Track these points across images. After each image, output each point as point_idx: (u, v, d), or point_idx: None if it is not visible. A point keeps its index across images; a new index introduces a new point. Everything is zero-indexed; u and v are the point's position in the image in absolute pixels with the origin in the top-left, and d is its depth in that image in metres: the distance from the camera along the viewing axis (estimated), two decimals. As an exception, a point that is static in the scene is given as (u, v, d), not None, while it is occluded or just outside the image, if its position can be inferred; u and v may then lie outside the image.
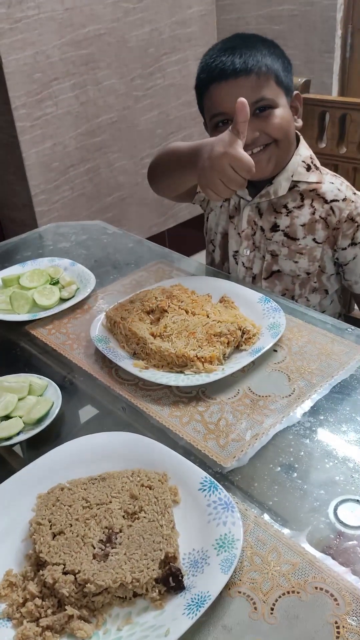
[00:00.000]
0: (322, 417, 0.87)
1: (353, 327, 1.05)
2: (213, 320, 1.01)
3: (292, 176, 1.20)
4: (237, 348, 1.00)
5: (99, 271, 1.27)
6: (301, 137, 1.24)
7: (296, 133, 1.21)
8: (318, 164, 1.23)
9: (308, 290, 1.25)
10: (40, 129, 2.30)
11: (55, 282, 1.21)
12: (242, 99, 0.97)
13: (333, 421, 0.86)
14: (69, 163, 2.45)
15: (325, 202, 1.19)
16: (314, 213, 1.19)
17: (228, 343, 0.98)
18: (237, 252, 1.29)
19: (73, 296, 1.17)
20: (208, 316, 1.03)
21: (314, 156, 1.24)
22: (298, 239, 1.21)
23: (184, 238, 2.86)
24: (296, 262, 1.22)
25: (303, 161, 1.21)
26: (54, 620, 0.61)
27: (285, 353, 1.00)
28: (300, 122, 1.21)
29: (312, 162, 1.22)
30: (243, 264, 1.27)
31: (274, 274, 1.25)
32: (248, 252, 1.26)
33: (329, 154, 1.45)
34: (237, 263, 1.29)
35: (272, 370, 0.96)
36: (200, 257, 1.40)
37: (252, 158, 1.12)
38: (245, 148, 1.11)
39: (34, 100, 2.25)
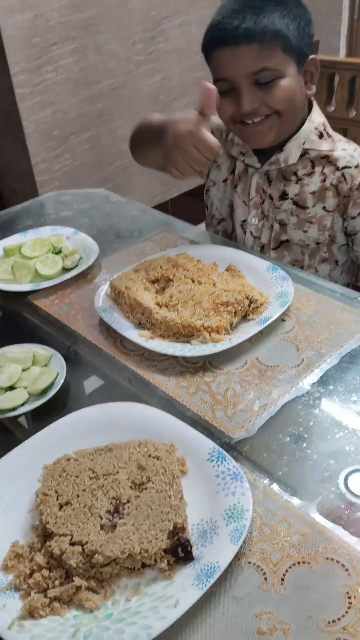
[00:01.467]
0: (331, 387, 0.85)
1: (362, 296, 1.03)
2: (220, 289, 0.99)
3: (303, 143, 1.15)
4: (245, 317, 0.98)
5: (102, 240, 1.25)
6: (314, 103, 1.19)
7: (309, 99, 1.16)
8: (331, 130, 1.19)
9: (317, 261, 1.22)
10: (40, 95, 2.25)
11: (57, 252, 1.18)
12: (207, 85, 0.96)
13: (343, 391, 0.84)
14: (69, 131, 2.39)
15: (337, 168, 1.15)
16: (324, 180, 1.16)
17: (235, 312, 0.96)
18: (244, 221, 1.26)
19: (76, 266, 1.15)
20: (214, 285, 1.01)
21: (326, 123, 1.19)
22: (307, 208, 1.17)
23: (188, 208, 2.82)
24: (305, 231, 1.19)
25: (315, 128, 1.16)
26: (62, 591, 0.60)
27: (293, 322, 0.98)
28: (313, 89, 1.14)
29: (324, 130, 1.17)
30: (251, 233, 1.25)
31: (282, 243, 1.22)
32: (256, 221, 1.23)
33: (338, 118, 1.41)
34: (244, 233, 1.26)
35: (280, 340, 0.95)
36: (203, 227, 1.38)
37: (252, 128, 1.10)
38: (245, 117, 1.08)
39: (33, 66, 2.19)
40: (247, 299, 0.98)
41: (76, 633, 0.57)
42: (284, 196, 1.18)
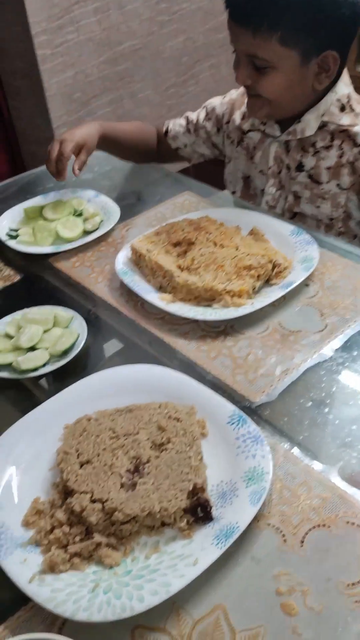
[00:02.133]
0: (355, 353, 0.84)
1: (390, 262, 1.00)
2: (242, 253, 0.97)
3: (322, 115, 1.10)
4: (268, 282, 0.97)
5: (123, 203, 1.23)
6: (344, 71, 1.10)
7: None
8: (355, 103, 1.11)
9: (334, 234, 1.18)
10: (61, 56, 2.20)
11: (78, 214, 1.17)
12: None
13: (367, 357, 0.83)
14: (91, 94, 2.35)
15: (355, 145, 1.09)
16: (341, 156, 1.11)
17: (258, 277, 0.94)
18: (262, 190, 1.23)
19: (97, 228, 1.14)
20: (237, 249, 0.99)
21: (353, 95, 1.11)
22: (321, 183, 1.13)
23: (211, 175, 2.78)
24: (318, 206, 1.15)
25: (338, 100, 1.09)
26: (82, 548, 0.61)
27: (317, 287, 0.96)
28: (324, 83, 1.05)
29: (348, 102, 1.10)
30: (267, 202, 1.22)
31: (297, 215, 1.19)
32: (274, 190, 1.20)
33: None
34: (261, 202, 1.24)
35: (304, 305, 0.93)
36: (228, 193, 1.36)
37: (249, 98, 1.10)
38: (244, 87, 1.09)
39: (54, 26, 2.14)
40: (271, 263, 0.96)
41: (95, 588, 0.57)
42: (300, 167, 1.15)
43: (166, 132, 1.36)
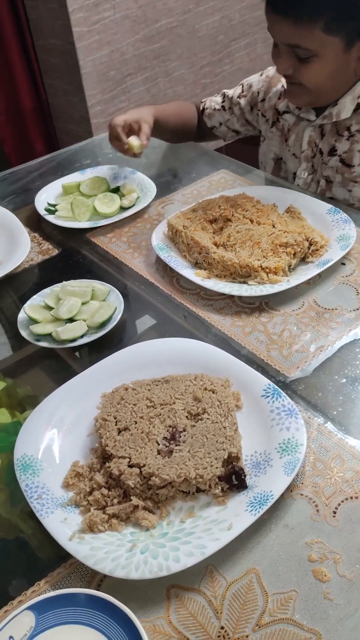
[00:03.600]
0: (391, 332, 0.83)
1: None
2: (279, 230, 0.98)
3: (359, 97, 1.08)
4: (304, 260, 0.97)
5: (159, 181, 1.24)
6: None
7: None
8: None
9: None
10: (98, 34, 2.20)
11: (115, 190, 1.18)
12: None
13: None
14: (125, 72, 2.35)
15: None
16: None
17: (294, 254, 0.95)
18: (294, 174, 1.22)
19: (133, 205, 1.15)
20: (274, 226, 1.00)
21: None
22: (353, 166, 1.11)
23: (243, 155, 2.76)
24: (350, 190, 1.14)
25: None
26: (120, 509, 0.63)
27: (354, 266, 0.95)
28: None
29: None
30: (299, 186, 1.21)
31: (329, 201, 1.16)
32: (306, 174, 1.19)
33: None
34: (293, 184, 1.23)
35: (340, 283, 0.93)
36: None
37: (289, 85, 1.08)
38: (284, 77, 1.07)
39: (91, 4, 2.13)
40: (307, 240, 0.96)
41: (133, 548, 0.59)
42: (332, 152, 1.13)
43: (203, 110, 1.35)
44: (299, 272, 0.94)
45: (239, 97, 1.29)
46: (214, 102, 1.33)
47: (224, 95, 1.33)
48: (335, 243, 0.97)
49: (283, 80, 1.19)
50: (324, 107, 1.11)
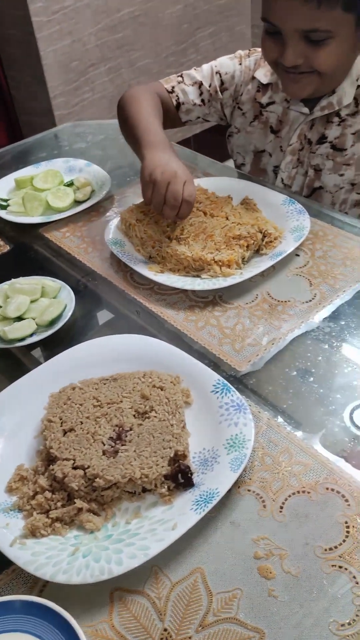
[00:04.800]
0: (342, 323, 0.83)
1: (382, 231, 0.99)
2: (232, 223, 0.97)
3: (357, 80, 1.05)
4: (258, 252, 0.96)
5: (116, 173, 1.22)
6: None
7: None
8: None
9: (349, 205, 1.14)
10: (58, 24, 2.16)
11: (69, 184, 1.16)
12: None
13: (354, 327, 0.82)
14: (88, 62, 2.31)
15: None
16: None
17: (247, 246, 0.94)
18: (277, 167, 1.18)
19: (88, 198, 1.13)
20: (227, 218, 0.98)
21: None
22: (345, 149, 1.09)
23: (213, 144, 2.73)
24: (342, 174, 1.11)
25: None
26: (64, 512, 0.61)
27: (308, 257, 0.95)
28: None
29: None
30: (282, 180, 1.17)
31: (315, 191, 1.15)
32: (290, 167, 1.15)
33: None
34: (276, 179, 1.19)
35: (294, 275, 0.92)
36: (229, 164, 1.30)
37: (292, 77, 1.01)
38: (287, 69, 1.00)
39: (50, -8, 2.09)
40: (261, 232, 0.95)
41: (75, 551, 0.58)
42: (321, 140, 1.10)
43: (178, 105, 1.19)
44: (253, 265, 0.93)
45: (220, 90, 1.19)
46: (189, 93, 1.18)
47: (200, 86, 1.18)
48: (289, 234, 0.96)
49: (261, 73, 1.15)
50: (316, 98, 1.07)
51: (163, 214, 0.93)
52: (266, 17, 0.97)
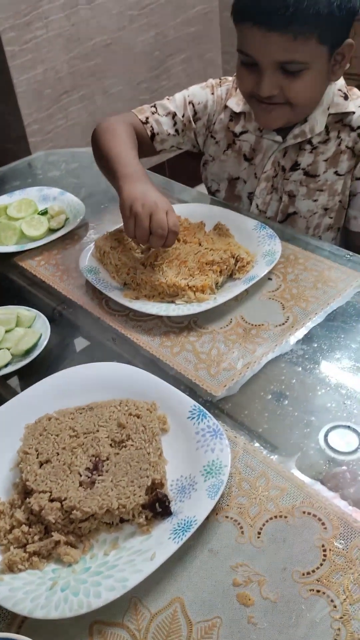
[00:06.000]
0: (315, 345, 0.84)
1: (351, 254, 1.01)
2: (205, 249, 0.98)
3: (328, 109, 1.07)
4: (231, 277, 0.97)
5: (90, 201, 1.23)
6: None
7: None
8: (348, 90, 1.10)
9: (322, 229, 1.16)
10: (31, 53, 2.19)
11: (43, 212, 1.16)
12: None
13: (327, 349, 0.84)
14: (61, 90, 2.34)
15: (352, 129, 1.08)
16: (339, 144, 1.09)
17: (221, 271, 0.95)
18: (251, 193, 1.20)
19: (62, 226, 1.14)
20: (200, 244, 1.00)
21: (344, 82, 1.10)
22: (318, 176, 1.11)
23: (186, 169, 2.77)
24: (315, 200, 1.13)
25: (339, 89, 1.08)
26: (41, 546, 0.61)
27: (280, 281, 0.97)
28: (338, 75, 1.03)
29: (347, 90, 1.09)
30: (257, 206, 1.19)
31: (289, 216, 1.16)
32: (265, 193, 1.17)
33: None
34: (250, 205, 1.21)
35: (266, 298, 0.94)
36: (202, 189, 1.32)
37: (265, 107, 1.03)
38: (261, 100, 1.01)
39: (22, 22, 2.12)
40: (233, 257, 0.96)
41: (54, 586, 0.58)
42: (294, 167, 1.12)
43: (153, 135, 1.20)
44: (227, 289, 0.95)
45: (193, 120, 1.21)
46: (163, 124, 1.19)
47: (173, 117, 1.19)
48: (262, 259, 0.98)
49: (233, 102, 1.17)
50: (288, 127, 1.09)
51: (151, 244, 0.93)
52: (242, 49, 0.99)
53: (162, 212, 0.91)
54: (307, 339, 0.86)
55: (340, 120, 1.09)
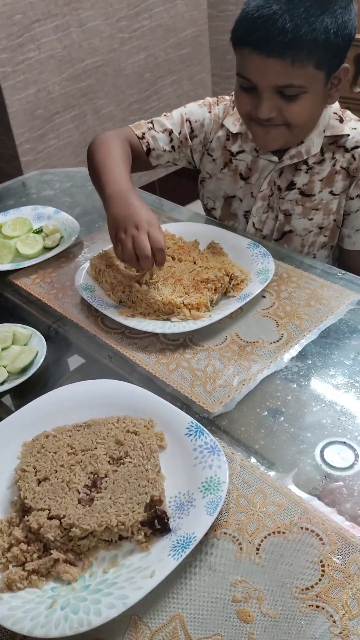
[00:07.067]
0: (310, 362, 0.86)
1: (343, 272, 1.03)
2: (200, 267, 0.99)
3: (324, 131, 1.10)
4: (225, 294, 0.99)
5: (84, 219, 1.24)
6: None
7: None
8: (343, 113, 1.13)
9: (317, 247, 1.18)
10: (23, 74, 2.21)
11: (38, 231, 1.17)
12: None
13: (321, 365, 0.85)
14: (53, 110, 2.36)
15: (346, 150, 1.10)
16: (334, 165, 1.11)
17: (215, 289, 0.96)
18: (248, 212, 1.21)
19: (57, 245, 1.14)
20: (195, 262, 1.01)
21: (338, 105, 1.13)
22: (313, 195, 1.13)
23: (176, 188, 2.80)
24: (311, 219, 1.15)
25: (335, 113, 1.11)
26: (40, 564, 0.61)
27: (273, 299, 0.98)
28: (334, 98, 1.05)
29: (342, 113, 1.12)
30: (253, 224, 1.21)
31: (285, 235, 1.18)
32: (261, 212, 1.18)
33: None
34: (247, 223, 1.22)
35: (261, 316, 0.95)
36: (193, 207, 1.33)
37: (263, 129, 1.04)
38: (260, 121, 1.03)
39: (15, 44, 2.15)
40: (228, 275, 0.98)
41: (53, 604, 0.58)
42: (290, 186, 1.14)
43: (149, 151, 1.22)
44: (221, 307, 0.96)
45: (190, 137, 1.22)
46: (159, 140, 1.21)
47: (170, 134, 1.21)
48: (255, 277, 0.99)
49: (230, 122, 1.19)
50: (284, 148, 1.11)
51: (141, 266, 0.94)
52: (241, 73, 1.01)
53: (143, 234, 0.92)
54: (302, 355, 0.87)
55: (335, 141, 1.11)
